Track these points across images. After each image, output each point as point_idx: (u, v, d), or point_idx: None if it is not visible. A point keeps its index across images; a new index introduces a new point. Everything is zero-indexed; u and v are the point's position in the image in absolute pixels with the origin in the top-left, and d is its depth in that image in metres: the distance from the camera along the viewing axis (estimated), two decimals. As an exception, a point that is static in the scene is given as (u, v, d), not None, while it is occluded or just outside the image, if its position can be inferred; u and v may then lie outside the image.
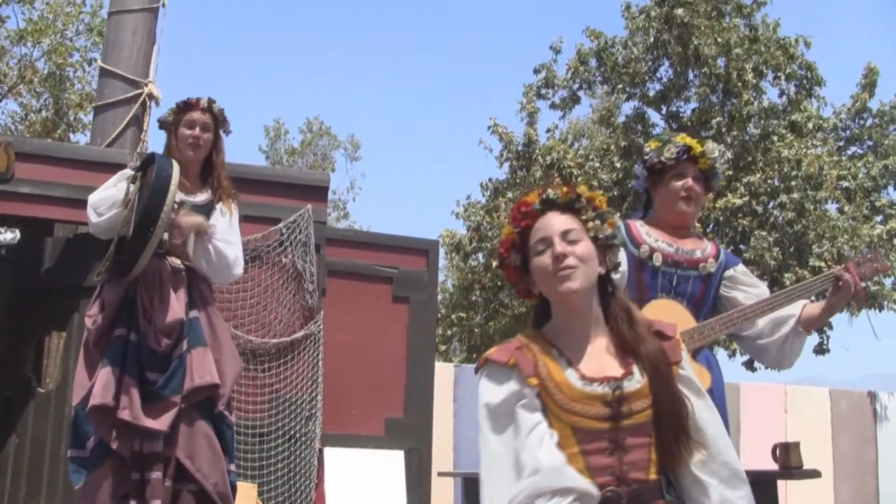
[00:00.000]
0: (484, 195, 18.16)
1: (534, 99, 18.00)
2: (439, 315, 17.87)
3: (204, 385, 4.25)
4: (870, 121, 17.84)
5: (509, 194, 17.28)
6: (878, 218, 16.49)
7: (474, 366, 2.43)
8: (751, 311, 3.65)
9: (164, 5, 7.03)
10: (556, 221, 2.39)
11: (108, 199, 4.43)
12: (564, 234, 2.36)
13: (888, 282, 15.99)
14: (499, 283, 17.62)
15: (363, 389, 6.36)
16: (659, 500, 2.28)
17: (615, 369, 2.32)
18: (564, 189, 2.43)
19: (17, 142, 5.84)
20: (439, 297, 17.56)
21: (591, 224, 2.40)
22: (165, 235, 4.30)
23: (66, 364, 5.79)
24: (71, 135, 17.12)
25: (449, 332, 19.57)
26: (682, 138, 3.80)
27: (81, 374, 4.25)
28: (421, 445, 6.51)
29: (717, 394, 3.60)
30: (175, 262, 4.39)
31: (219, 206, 4.61)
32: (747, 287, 3.83)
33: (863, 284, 3.68)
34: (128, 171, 4.51)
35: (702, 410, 2.36)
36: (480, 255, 18.33)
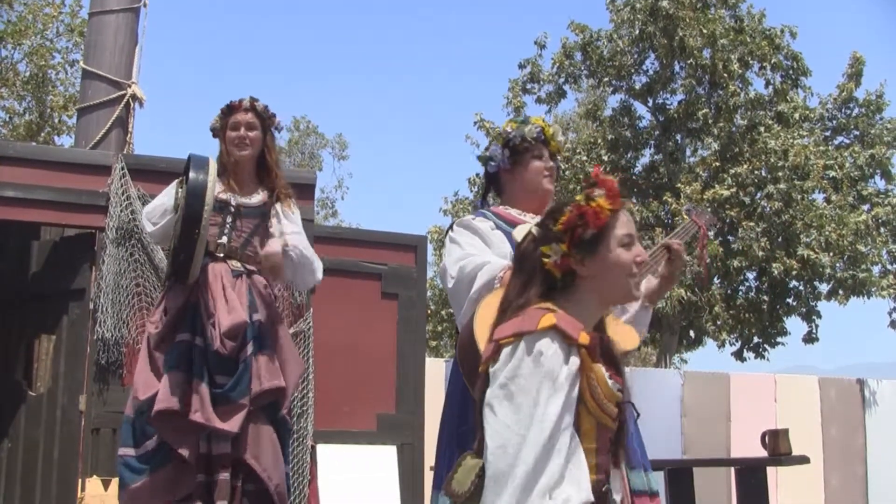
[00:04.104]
0: (472, 191, 18.15)
1: (519, 94, 18.02)
2: (429, 311, 17.84)
3: (271, 388, 4.26)
4: (856, 110, 17.93)
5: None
6: (865, 207, 16.56)
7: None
8: None
9: (145, 5, 6.98)
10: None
11: (159, 207, 4.45)
12: None
13: (876, 269, 16.06)
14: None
15: (354, 386, 6.37)
16: None
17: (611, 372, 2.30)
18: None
19: (1, 145, 5.81)
20: (429, 294, 17.55)
21: None
22: (224, 239, 4.31)
23: (56, 367, 5.77)
24: (56, 137, 16.94)
25: (439, 329, 19.54)
26: (536, 119, 3.78)
27: (147, 375, 4.23)
28: (413, 440, 6.53)
29: None
30: (235, 264, 4.37)
31: (279, 207, 4.53)
32: None
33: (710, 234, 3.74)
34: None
35: None
36: (469, 251, 18.25)
